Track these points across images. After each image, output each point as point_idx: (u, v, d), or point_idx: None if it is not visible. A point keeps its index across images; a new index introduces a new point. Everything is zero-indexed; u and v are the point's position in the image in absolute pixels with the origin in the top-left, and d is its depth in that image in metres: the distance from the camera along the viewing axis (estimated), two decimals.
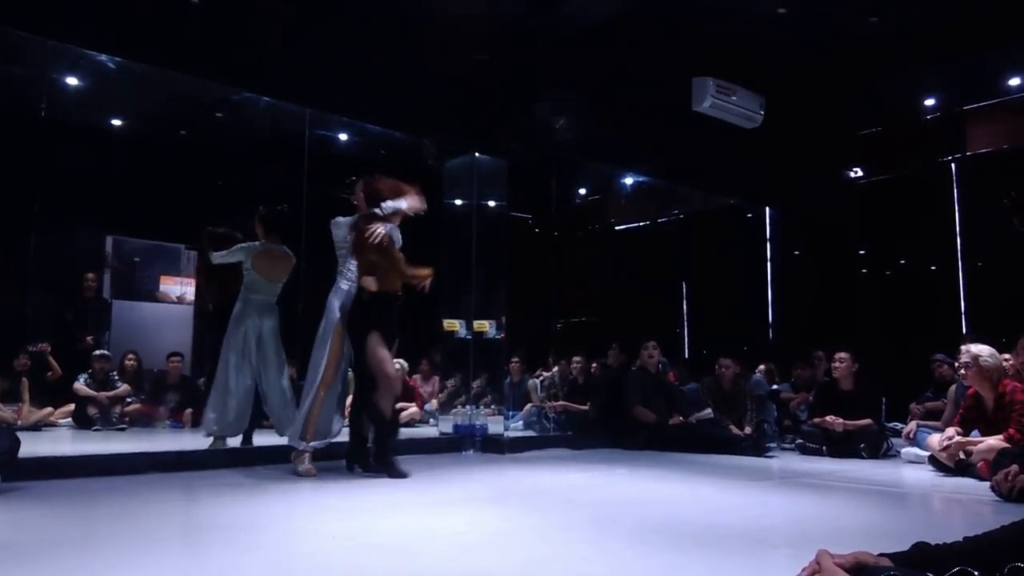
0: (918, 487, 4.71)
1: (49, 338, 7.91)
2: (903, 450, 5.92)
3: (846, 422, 6.14)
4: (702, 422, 6.75)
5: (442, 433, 6.80)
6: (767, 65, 7.65)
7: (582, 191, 12.07)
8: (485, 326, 6.74)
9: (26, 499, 3.60)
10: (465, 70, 6.75)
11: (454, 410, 7.27)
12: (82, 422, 7.40)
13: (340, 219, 4.94)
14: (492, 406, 7.87)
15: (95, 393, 7.47)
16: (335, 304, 4.75)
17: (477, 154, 6.89)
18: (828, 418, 6.22)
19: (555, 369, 8.22)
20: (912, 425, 6.04)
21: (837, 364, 6.41)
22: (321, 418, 4.65)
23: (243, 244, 5.43)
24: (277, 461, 4.89)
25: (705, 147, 8.16)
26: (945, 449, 4.93)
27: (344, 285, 4.78)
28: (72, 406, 7.50)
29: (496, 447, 6.38)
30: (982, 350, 4.87)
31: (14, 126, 7.20)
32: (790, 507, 3.86)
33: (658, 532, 3.02)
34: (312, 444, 4.61)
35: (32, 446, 4.37)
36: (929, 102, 9.08)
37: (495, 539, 2.94)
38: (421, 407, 8.22)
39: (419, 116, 6.64)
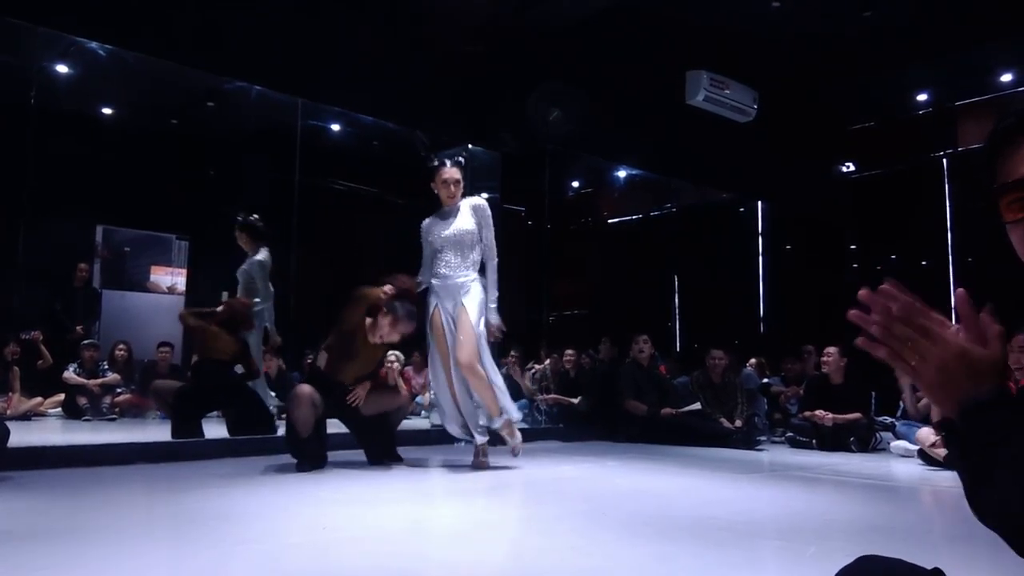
0: (908, 481, 4.74)
1: (39, 327, 7.87)
2: (892, 444, 5.96)
3: (836, 416, 6.17)
4: (692, 415, 6.76)
5: (434, 425, 6.79)
6: (760, 59, 7.66)
7: (575, 184, 12.08)
8: None
9: (14, 489, 3.59)
10: (459, 62, 6.74)
11: None
12: (72, 412, 7.35)
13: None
14: None
15: (85, 381, 7.42)
16: (431, 302, 4.69)
17: (470, 146, 6.88)
18: (818, 413, 6.24)
19: (547, 362, 8.22)
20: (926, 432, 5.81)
21: (827, 358, 6.44)
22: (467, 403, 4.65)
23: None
24: (267, 452, 4.88)
25: (698, 141, 8.18)
26: (935, 444, 4.96)
27: (435, 281, 4.69)
28: (62, 396, 7.45)
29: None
30: None
31: (4, 114, 7.15)
32: (780, 500, 3.87)
33: (649, 524, 3.03)
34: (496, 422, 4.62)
35: (21, 435, 4.35)
36: (921, 97, 9.10)
37: (486, 531, 2.94)
38: (412, 399, 8.20)
39: (412, 107, 6.63)
